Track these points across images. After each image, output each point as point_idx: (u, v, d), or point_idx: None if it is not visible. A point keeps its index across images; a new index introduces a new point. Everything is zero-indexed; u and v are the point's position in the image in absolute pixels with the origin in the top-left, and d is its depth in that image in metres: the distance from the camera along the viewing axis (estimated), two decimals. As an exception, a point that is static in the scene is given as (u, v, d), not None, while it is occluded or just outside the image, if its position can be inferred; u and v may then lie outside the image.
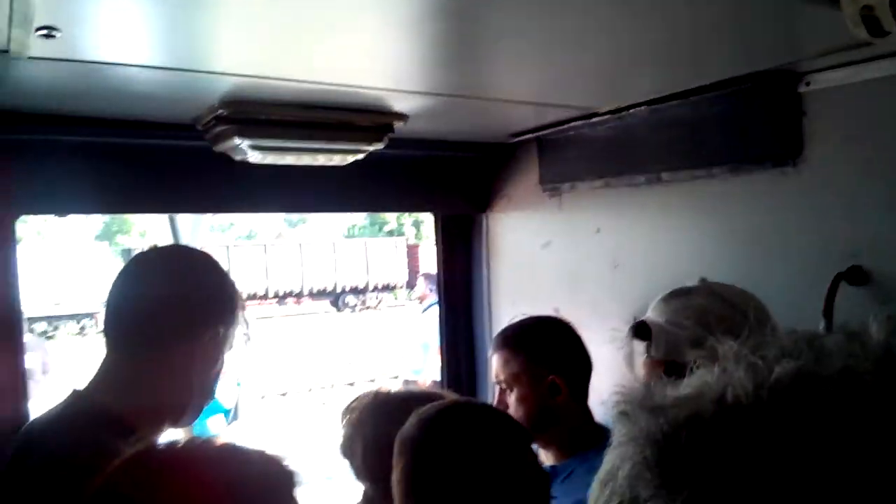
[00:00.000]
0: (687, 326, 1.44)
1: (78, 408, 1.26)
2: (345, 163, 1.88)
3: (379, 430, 1.39)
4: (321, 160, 1.82)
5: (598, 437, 1.91)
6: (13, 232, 1.90)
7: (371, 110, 1.73)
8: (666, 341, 1.48)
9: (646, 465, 0.41)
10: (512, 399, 1.87)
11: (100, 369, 1.31)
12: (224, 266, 1.45)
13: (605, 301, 2.18)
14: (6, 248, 1.86)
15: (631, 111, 1.85)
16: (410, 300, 24.74)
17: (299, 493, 0.86)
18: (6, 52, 1.13)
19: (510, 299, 2.63)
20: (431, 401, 1.35)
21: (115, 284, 1.33)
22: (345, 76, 1.50)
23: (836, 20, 1.01)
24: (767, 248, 1.69)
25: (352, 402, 1.54)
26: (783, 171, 1.64)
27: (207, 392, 1.37)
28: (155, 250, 1.38)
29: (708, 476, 0.38)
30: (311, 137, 1.70)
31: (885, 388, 0.38)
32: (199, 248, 1.58)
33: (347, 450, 1.48)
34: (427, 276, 7.32)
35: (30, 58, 1.15)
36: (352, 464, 1.48)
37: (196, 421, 4.17)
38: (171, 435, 1.35)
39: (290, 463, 0.88)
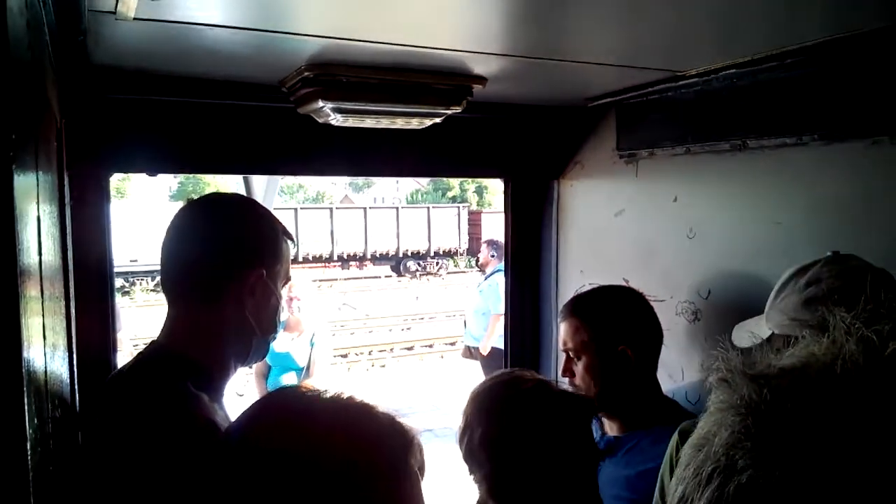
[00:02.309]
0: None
1: (153, 357, 1.33)
2: (422, 126, 1.90)
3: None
4: (400, 123, 1.83)
5: (665, 410, 1.89)
6: (107, 188, 2.00)
7: (451, 73, 1.73)
8: None
9: (745, 433, 0.41)
10: (579, 368, 1.86)
11: (165, 322, 1.38)
12: (267, 213, 1.47)
13: (678, 272, 2.14)
14: (101, 204, 1.96)
15: (718, 74, 1.79)
16: (471, 267, 24.83)
17: (418, 463, 0.89)
18: (112, 13, 1.18)
19: (578, 268, 2.61)
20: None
21: (164, 241, 1.39)
22: (426, 38, 1.50)
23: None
24: (856, 220, 1.62)
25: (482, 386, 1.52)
26: (878, 141, 1.56)
27: (268, 328, 1.43)
28: (192, 203, 1.43)
29: (810, 450, 0.38)
30: (392, 100, 1.71)
31: None
32: (238, 194, 1.62)
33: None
34: (490, 243, 7.32)
35: (135, 18, 1.20)
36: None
37: (270, 374, 4.31)
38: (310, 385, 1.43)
39: (414, 431, 0.90)
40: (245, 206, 1.47)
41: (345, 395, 0.90)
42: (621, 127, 2.32)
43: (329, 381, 4.50)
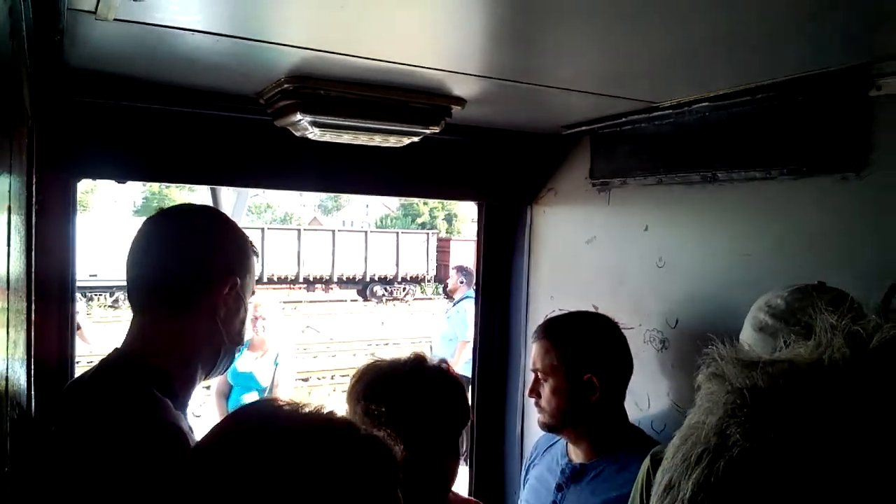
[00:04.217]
0: None
1: (117, 364, 1.30)
2: (400, 144, 1.90)
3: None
4: (378, 140, 1.83)
5: (631, 437, 1.90)
6: (74, 194, 1.95)
7: (431, 92, 1.74)
8: None
9: (737, 410, 0.42)
10: (546, 389, 1.87)
11: (130, 331, 1.36)
12: (236, 225, 1.47)
13: (647, 301, 2.16)
14: (66, 210, 1.91)
15: (693, 107, 1.83)
16: (438, 294, 24.81)
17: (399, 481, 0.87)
18: (93, 12, 1.16)
19: (549, 294, 2.62)
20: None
21: (131, 250, 1.38)
22: (408, 55, 1.50)
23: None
24: (823, 254, 1.66)
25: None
26: (845, 177, 1.60)
27: (236, 338, 1.43)
28: (162, 213, 1.43)
29: (802, 425, 0.39)
30: (371, 117, 1.71)
31: None
32: (210, 206, 1.62)
33: None
34: (460, 269, 7.33)
35: (115, 20, 1.18)
36: None
37: (231, 394, 4.21)
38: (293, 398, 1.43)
39: (395, 449, 0.88)
40: (216, 216, 1.48)
41: (322, 409, 0.88)
42: (595, 155, 2.35)
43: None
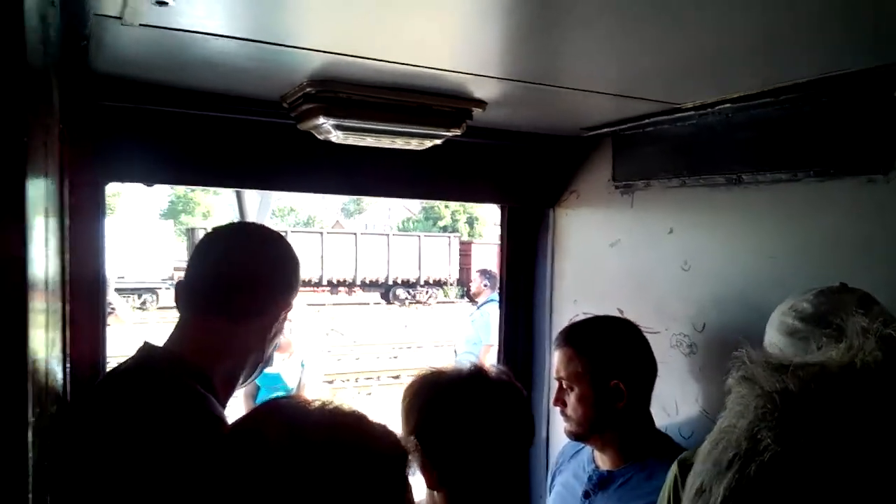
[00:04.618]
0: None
1: (159, 358, 1.32)
2: (422, 147, 1.90)
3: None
4: (399, 143, 1.84)
5: (658, 444, 1.87)
6: (103, 198, 1.98)
7: (452, 95, 1.74)
8: None
9: (769, 415, 0.41)
10: (571, 398, 1.84)
11: (177, 330, 1.38)
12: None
13: (671, 304, 2.14)
14: (96, 213, 1.95)
15: (716, 108, 1.81)
16: (461, 297, 24.80)
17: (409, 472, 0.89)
18: (119, 18, 1.19)
19: (572, 298, 2.61)
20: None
21: (209, 251, 1.42)
22: (429, 58, 1.51)
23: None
24: (849, 257, 1.63)
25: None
26: (872, 179, 1.57)
27: (271, 356, 1.50)
28: (245, 226, 1.51)
29: (835, 430, 0.38)
30: (393, 120, 1.72)
31: None
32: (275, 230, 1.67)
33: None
34: (483, 273, 7.32)
35: (140, 25, 1.21)
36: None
37: (258, 395, 4.26)
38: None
39: (407, 443, 0.92)
40: (286, 242, 1.53)
41: (337, 405, 0.90)
42: (617, 157, 2.34)
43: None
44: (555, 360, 1.89)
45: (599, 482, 1.88)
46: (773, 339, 1.41)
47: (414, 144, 1.86)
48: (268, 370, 4.48)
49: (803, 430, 0.39)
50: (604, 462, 1.91)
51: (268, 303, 1.40)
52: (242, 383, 1.46)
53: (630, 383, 1.80)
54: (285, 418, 0.89)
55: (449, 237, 28.47)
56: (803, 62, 1.49)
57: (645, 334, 1.91)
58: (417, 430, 1.35)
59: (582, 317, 2.45)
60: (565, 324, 2.52)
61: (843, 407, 0.39)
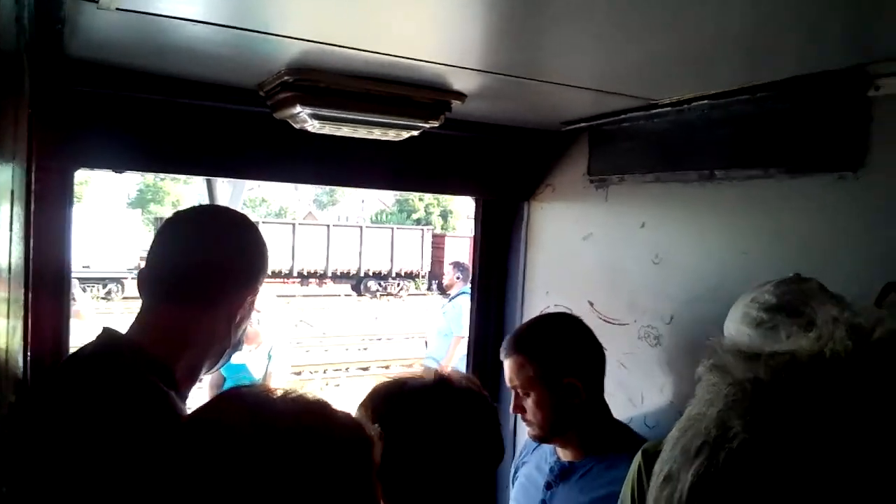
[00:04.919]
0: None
1: (118, 347, 1.28)
2: (399, 138, 1.90)
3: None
4: (377, 134, 1.83)
5: (618, 435, 1.90)
6: (71, 184, 1.94)
7: (431, 86, 1.74)
8: None
9: (739, 403, 0.42)
10: (529, 403, 1.83)
11: (139, 318, 1.34)
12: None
13: (642, 297, 2.17)
14: (64, 200, 1.91)
15: (692, 104, 1.83)
16: (432, 290, 24.82)
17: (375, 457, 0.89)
18: (95, 1, 1.16)
19: (544, 290, 2.63)
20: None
21: (170, 237, 1.38)
22: (409, 49, 1.50)
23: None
24: (818, 253, 1.67)
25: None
26: (842, 176, 1.61)
27: (239, 340, 1.46)
28: (209, 209, 1.45)
29: (805, 418, 0.39)
30: (370, 110, 1.71)
31: None
32: (241, 212, 1.64)
33: None
34: (456, 265, 7.33)
35: (117, 9, 1.18)
36: None
37: (223, 386, 4.21)
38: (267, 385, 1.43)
39: (370, 430, 0.90)
40: (253, 225, 1.49)
41: (301, 393, 0.90)
42: (593, 152, 2.36)
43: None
44: (506, 370, 1.87)
45: (561, 473, 1.91)
46: (736, 331, 1.44)
47: (391, 135, 1.85)
48: (234, 361, 4.46)
49: (773, 418, 0.40)
50: (565, 454, 1.93)
51: (232, 288, 1.36)
52: (208, 371, 1.43)
53: (583, 378, 1.82)
54: (246, 406, 0.87)
55: (422, 230, 28.43)
56: (780, 61, 1.52)
57: (614, 326, 1.94)
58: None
59: (552, 309, 2.48)
60: (536, 314, 2.56)
61: (813, 395, 0.40)
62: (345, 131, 1.79)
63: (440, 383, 1.30)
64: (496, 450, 1.30)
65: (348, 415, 0.91)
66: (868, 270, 1.54)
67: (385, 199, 43.85)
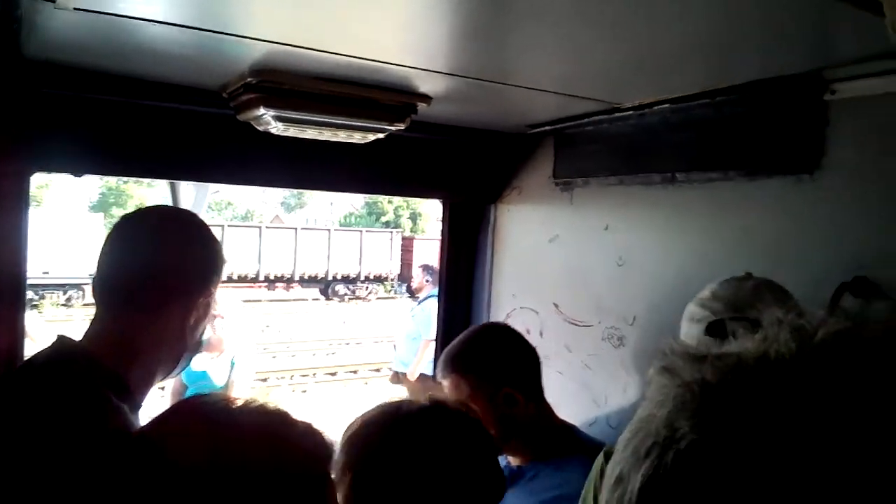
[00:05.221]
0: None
1: (71, 358, 1.25)
2: (365, 141, 1.89)
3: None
4: (342, 136, 1.82)
5: (562, 438, 1.90)
6: (27, 189, 1.89)
7: (397, 89, 1.74)
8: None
9: (687, 404, 0.42)
10: None
11: (92, 326, 1.31)
12: (214, 234, 1.47)
13: (606, 299, 2.20)
14: (20, 204, 1.86)
15: (654, 108, 1.87)
16: (401, 293, 24.77)
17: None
18: (52, 0, 1.14)
19: (511, 292, 2.65)
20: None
21: (116, 241, 1.34)
22: (374, 51, 1.50)
23: (870, 26, 1.03)
24: (777, 254, 1.71)
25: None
26: (800, 178, 1.66)
27: (197, 343, 1.42)
28: (155, 211, 1.41)
29: (751, 418, 0.40)
30: (336, 112, 1.71)
31: None
32: (192, 211, 1.61)
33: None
34: (425, 268, 7.33)
35: (75, 9, 1.16)
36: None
37: (186, 394, 4.14)
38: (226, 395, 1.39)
39: (329, 437, 0.89)
40: (202, 224, 1.45)
41: (261, 402, 0.88)
42: (558, 155, 2.38)
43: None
44: (445, 391, 1.84)
45: (510, 477, 1.91)
46: (686, 329, 1.47)
47: (357, 138, 1.84)
48: (196, 368, 4.39)
49: (720, 419, 0.40)
50: (514, 459, 1.93)
51: (182, 291, 1.33)
52: (165, 376, 1.40)
53: (520, 385, 1.81)
54: (200, 418, 0.86)
55: (391, 233, 28.35)
56: (738, 66, 1.56)
57: (579, 327, 1.96)
58: (355, 475, 1.14)
59: (519, 311, 2.50)
60: (503, 317, 2.57)
61: (758, 397, 0.40)
62: (309, 134, 1.78)
63: (436, 408, 1.24)
64: (499, 481, 1.23)
65: (309, 425, 0.89)
66: (825, 271, 1.58)
67: (354, 201, 43.65)
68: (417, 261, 17.25)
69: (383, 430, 1.19)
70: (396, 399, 1.30)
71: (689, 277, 1.89)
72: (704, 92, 1.72)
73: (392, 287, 26.85)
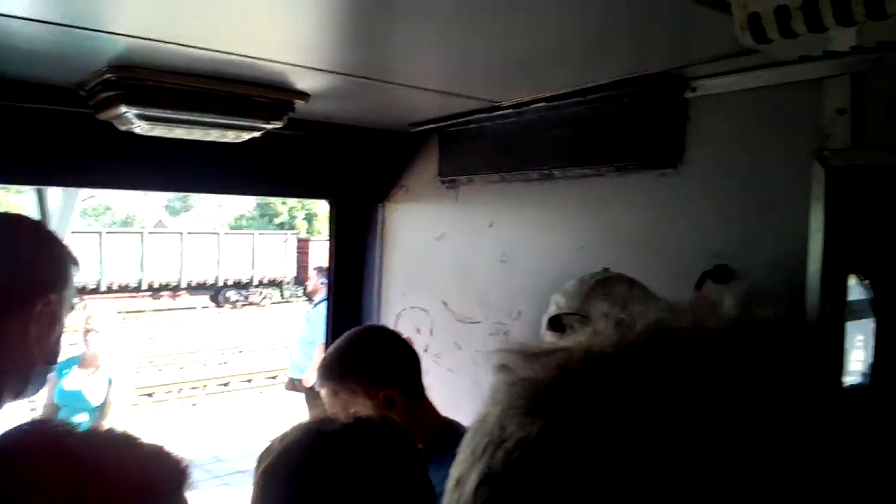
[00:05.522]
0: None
1: None
2: (239, 140, 1.82)
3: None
4: (214, 135, 1.74)
5: (442, 435, 1.91)
6: None
7: (271, 86, 1.68)
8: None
9: (519, 398, 0.42)
10: None
11: None
12: (55, 236, 1.36)
13: (492, 295, 2.23)
14: None
15: (532, 107, 1.91)
16: (298, 297, 24.23)
17: (189, 492, 0.84)
18: None
19: (401, 291, 2.64)
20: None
21: None
22: (246, 47, 1.45)
23: (725, 26, 1.09)
24: (646, 246, 1.80)
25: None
26: (664, 173, 1.75)
27: (51, 357, 1.32)
28: None
29: (569, 412, 0.40)
30: (205, 110, 1.63)
31: (730, 344, 0.41)
32: (23, 214, 1.50)
33: None
34: (320, 270, 7.19)
35: None
36: None
37: (59, 416, 3.82)
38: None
39: (184, 460, 0.85)
40: (33, 228, 1.35)
41: (109, 428, 0.85)
42: (443, 153, 2.39)
43: (127, 422, 4.08)
44: (325, 403, 1.79)
45: None
46: (543, 326, 1.53)
47: (230, 137, 1.77)
48: (69, 387, 4.08)
49: (545, 416, 0.40)
50: None
51: (14, 300, 1.23)
52: (18, 397, 1.29)
53: (399, 386, 1.79)
54: (38, 442, 0.80)
55: (286, 234, 27.65)
56: (605, 65, 1.62)
57: (467, 324, 1.97)
58: None
59: (409, 311, 2.49)
60: (394, 317, 2.56)
61: (581, 392, 0.40)
62: (178, 133, 1.68)
63: (360, 425, 1.13)
64: (431, 495, 1.16)
65: (159, 449, 0.84)
66: (690, 260, 1.68)
67: (245, 203, 42.20)
68: (314, 262, 16.93)
69: (308, 456, 1.07)
70: (314, 419, 1.19)
71: (568, 272, 1.94)
72: (576, 91, 1.78)
73: (290, 290, 26.21)
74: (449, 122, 2.22)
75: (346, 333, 1.93)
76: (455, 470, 0.45)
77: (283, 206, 41.92)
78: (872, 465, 0.39)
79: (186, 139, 1.78)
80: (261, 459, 1.09)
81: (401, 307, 2.57)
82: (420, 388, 1.86)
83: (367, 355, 1.81)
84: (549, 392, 0.41)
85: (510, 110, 2.00)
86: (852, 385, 2.06)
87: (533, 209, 2.11)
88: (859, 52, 1.37)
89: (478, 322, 2.21)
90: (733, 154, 1.64)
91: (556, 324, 1.51)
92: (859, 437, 0.40)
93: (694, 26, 1.37)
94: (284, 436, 1.11)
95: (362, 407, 1.67)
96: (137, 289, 22.44)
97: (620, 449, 0.37)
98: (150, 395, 11.40)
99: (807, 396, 0.39)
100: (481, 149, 2.23)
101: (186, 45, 1.40)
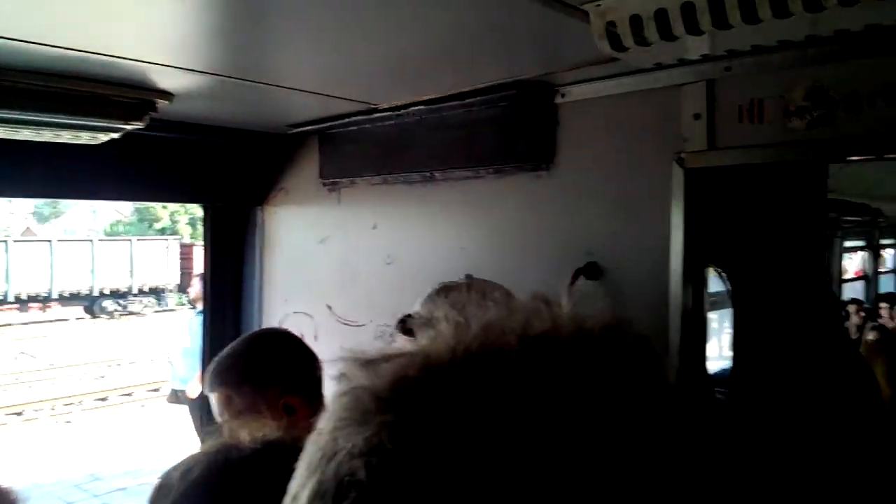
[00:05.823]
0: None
1: None
2: (95, 142, 1.70)
3: None
4: (66, 137, 1.61)
5: None
6: None
7: (130, 84, 1.58)
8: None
9: (350, 407, 0.41)
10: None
11: None
12: None
13: (377, 297, 2.21)
14: None
15: (410, 109, 1.91)
16: (182, 305, 23.13)
17: None
18: None
19: (283, 297, 2.57)
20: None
21: None
22: (100, 44, 1.35)
23: (589, 36, 1.13)
24: (524, 245, 1.84)
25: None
26: (538, 175, 1.80)
27: None
28: None
29: (397, 418, 0.39)
30: (55, 110, 1.50)
31: (567, 342, 0.41)
32: None
33: None
34: (202, 277, 6.89)
35: None
36: None
37: None
38: None
39: (11, 492, 0.76)
40: None
41: None
42: (324, 155, 2.35)
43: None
44: (213, 406, 1.65)
45: None
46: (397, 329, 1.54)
47: (85, 139, 1.64)
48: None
49: (374, 426, 0.38)
50: None
51: None
52: None
53: (300, 392, 1.67)
54: None
55: (167, 240, 26.30)
56: (480, 70, 1.64)
57: (352, 327, 1.95)
58: None
59: (292, 316, 2.43)
60: (276, 324, 2.48)
61: (411, 401, 0.39)
62: (25, 135, 1.55)
63: (270, 449, 1.02)
64: None
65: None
66: (564, 258, 1.73)
67: (121, 208, 39.77)
68: (199, 269, 16.20)
69: (216, 490, 0.97)
70: (215, 446, 1.05)
71: (451, 272, 1.96)
72: (456, 94, 1.80)
73: (174, 298, 24.94)
74: (329, 124, 2.18)
75: (244, 336, 1.81)
76: (292, 485, 0.42)
77: (164, 210, 39.87)
78: (694, 461, 0.40)
79: (36, 142, 1.64)
80: (159, 496, 0.98)
81: (283, 313, 2.50)
82: (321, 394, 1.78)
83: (267, 361, 1.68)
84: (379, 401, 0.39)
85: (389, 113, 1.99)
86: (714, 370, 2.21)
87: (416, 210, 2.11)
88: (711, 60, 1.47)
89: (363, 325, 2.18)
90: (601, 156, 1.71)
91: (404, 328, 1.52)
92: (678, 434, 0.41)
93: (561, 35, 1.41)
94: (186, 469, 1.00)
95: (260, 414, 1.54)
96: (3, 301, 20.65)
97: (446, 460, 0.36)
98: (18, 413, 10.53)
99: (626, 397, 0.40)
100: (363, 150, 2.21)
101: (31, 42, 1.28)
